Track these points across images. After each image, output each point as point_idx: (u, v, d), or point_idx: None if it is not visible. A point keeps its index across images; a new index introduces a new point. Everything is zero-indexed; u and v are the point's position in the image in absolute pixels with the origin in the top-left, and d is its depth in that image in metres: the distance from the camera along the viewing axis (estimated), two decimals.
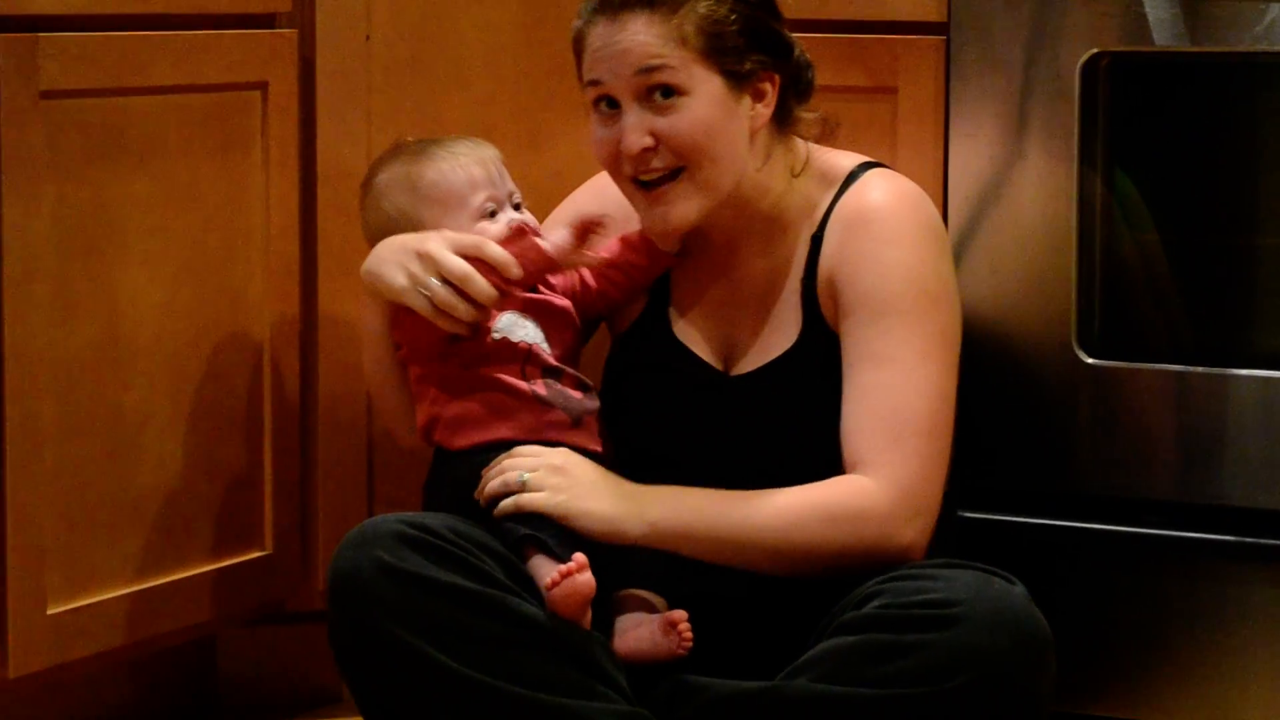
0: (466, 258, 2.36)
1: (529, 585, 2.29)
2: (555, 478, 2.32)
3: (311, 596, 2.71)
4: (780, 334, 2.43)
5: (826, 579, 2.31)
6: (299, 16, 2.66)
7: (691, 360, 2.48)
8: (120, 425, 2.50)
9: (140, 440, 2.53)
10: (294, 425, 2.70)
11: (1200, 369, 2.52)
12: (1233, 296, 2.57)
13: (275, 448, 2.67)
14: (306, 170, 2.68)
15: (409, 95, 2.71)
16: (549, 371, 2.40)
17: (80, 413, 2.45)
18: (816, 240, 2.42)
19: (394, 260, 2.37)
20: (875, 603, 2.23)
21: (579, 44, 2.39)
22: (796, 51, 2.44)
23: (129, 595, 2.51)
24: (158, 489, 2.55)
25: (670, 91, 2.34)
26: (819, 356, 2.40)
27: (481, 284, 2.35)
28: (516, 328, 2.40)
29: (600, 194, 2.54)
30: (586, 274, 2.49)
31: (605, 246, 2.48)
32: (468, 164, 2.42)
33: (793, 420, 2.41)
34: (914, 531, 2.31)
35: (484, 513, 2.33)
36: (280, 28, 2.65)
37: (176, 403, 2.56)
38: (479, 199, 2.42)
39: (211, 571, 2.61)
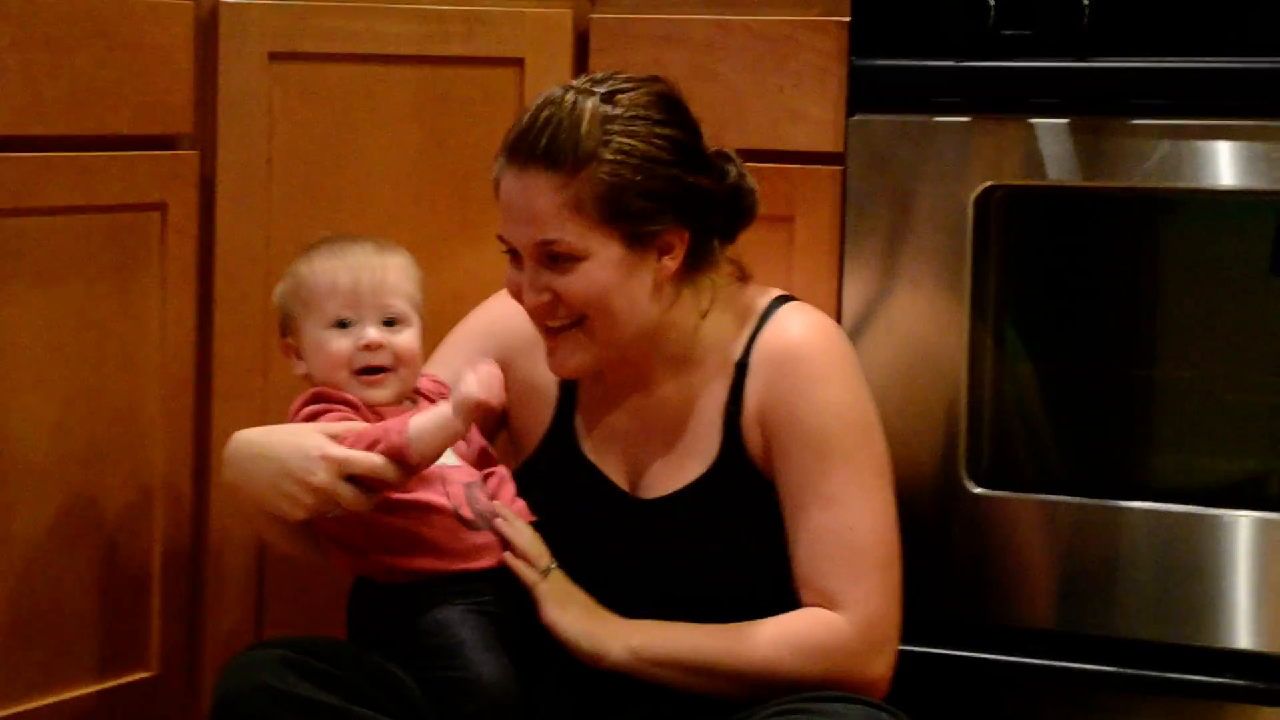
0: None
1: (418, 714, 2.29)
2: (564, 584, 2.37)
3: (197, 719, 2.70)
4: (694, 459, 2.42)
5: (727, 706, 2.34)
6: (200, 138, 2.67)
7: (599, 479, 2.47)
8: (8, 544, 2.49)
9: (28, 559, 2.51)
10: (185, 546, 2.68)
11: (1089, 500, 2.54)
12: (1123, 428, 2.59)
13: (165, 568, 2.66)
14: (204, 292, 2.68)
15: (310, 217, 2.71)
16: (469, 487, 2.40)
17: None
18: (741, 368, 2.41)
19: (281, 492, 2.32)
20: None
21: (496, 189, 2.39)
22: (731, 180, 2.42)
23: (12, 716, 2.49)
24: (45, 608, 2.53)
25: (568, 256, 2.34)
26: (734, 483, 2.40)
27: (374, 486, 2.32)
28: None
29: (499, 315, 2.54)
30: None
31: None
32: (337, 270, 2.42)
33: (703, 545, 2.41)
34: (882, 664, 2.35)
35: (402, 650, 2.33)
36: (181, 149, 2.66)
37: (66, 522, 2.55)
38: (331, 308, 2.42)
39: (97, 692, 2.60)
